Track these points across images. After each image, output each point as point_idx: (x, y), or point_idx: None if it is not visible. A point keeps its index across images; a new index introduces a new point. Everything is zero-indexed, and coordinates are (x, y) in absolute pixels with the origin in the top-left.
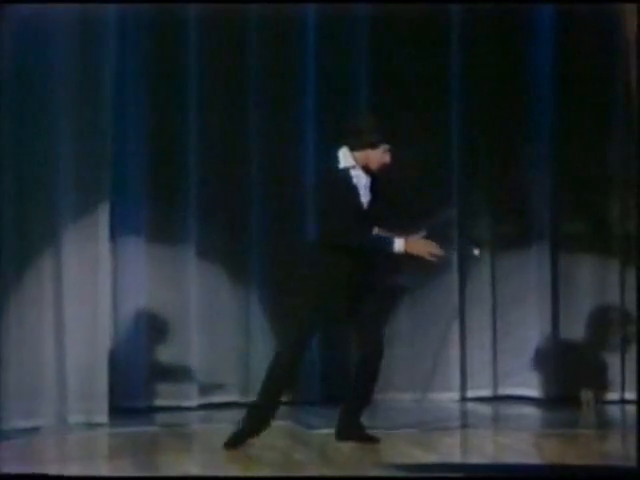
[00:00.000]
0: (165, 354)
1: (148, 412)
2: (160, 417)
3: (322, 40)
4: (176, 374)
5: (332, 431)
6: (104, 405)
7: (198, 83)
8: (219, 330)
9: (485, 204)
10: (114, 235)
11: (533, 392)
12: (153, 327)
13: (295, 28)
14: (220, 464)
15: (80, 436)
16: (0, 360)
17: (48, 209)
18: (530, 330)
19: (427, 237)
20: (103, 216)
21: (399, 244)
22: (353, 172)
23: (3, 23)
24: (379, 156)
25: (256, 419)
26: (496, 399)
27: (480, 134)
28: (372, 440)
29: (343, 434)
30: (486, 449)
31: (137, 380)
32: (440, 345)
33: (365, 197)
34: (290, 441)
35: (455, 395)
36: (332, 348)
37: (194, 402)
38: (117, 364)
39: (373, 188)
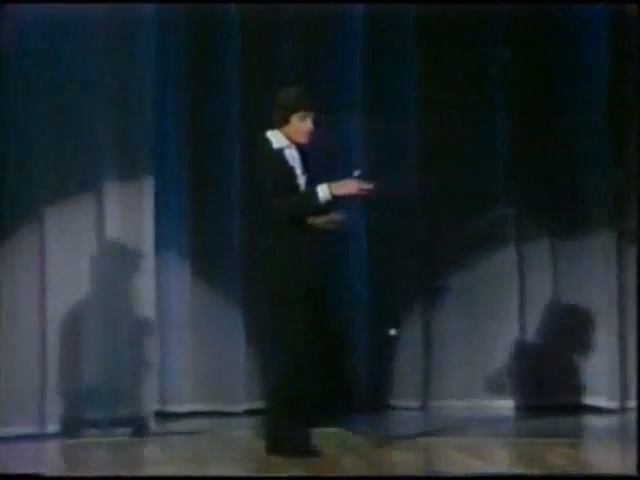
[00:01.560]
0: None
1: (191, 416)
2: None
3: (368, 39)
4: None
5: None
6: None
7: (239, 81)
8: None
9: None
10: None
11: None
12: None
13: (340, 26)
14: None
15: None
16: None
17: (95, 212)
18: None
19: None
20: (148, 223)
21: (323, 191)
22: (287, 152)
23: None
24: (299, 126)
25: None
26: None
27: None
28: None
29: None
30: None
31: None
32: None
33: (302, 179)
34: (340, 448)
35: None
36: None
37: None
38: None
39: (308, 167)
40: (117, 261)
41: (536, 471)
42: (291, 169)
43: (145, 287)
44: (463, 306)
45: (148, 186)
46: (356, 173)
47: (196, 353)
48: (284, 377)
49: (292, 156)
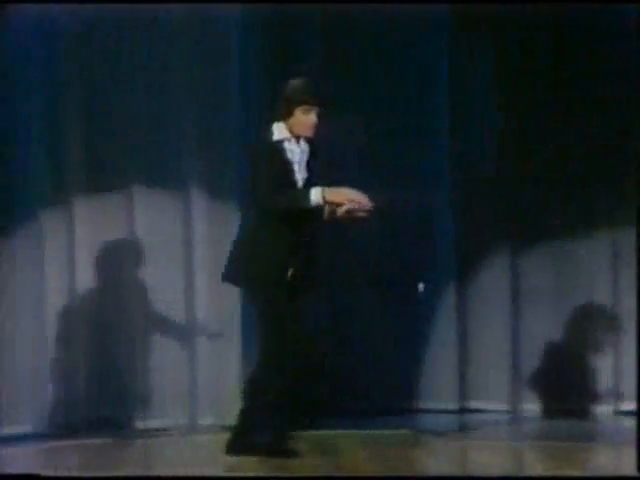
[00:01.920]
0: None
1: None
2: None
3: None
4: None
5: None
6: None
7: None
8: None
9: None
10: None
11: None
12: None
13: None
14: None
15: None
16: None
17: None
18: None
19: None
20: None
21: (316, 194)
22: (287, 145)
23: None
24: (302, 119)
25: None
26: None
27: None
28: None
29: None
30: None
31: None
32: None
33: (301, 174)
34: (419, 449)
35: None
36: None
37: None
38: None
39: (310, 165)
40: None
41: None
42: (287, 163)
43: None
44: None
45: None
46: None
47: None
48: (261, 370)
49: (292, 150)
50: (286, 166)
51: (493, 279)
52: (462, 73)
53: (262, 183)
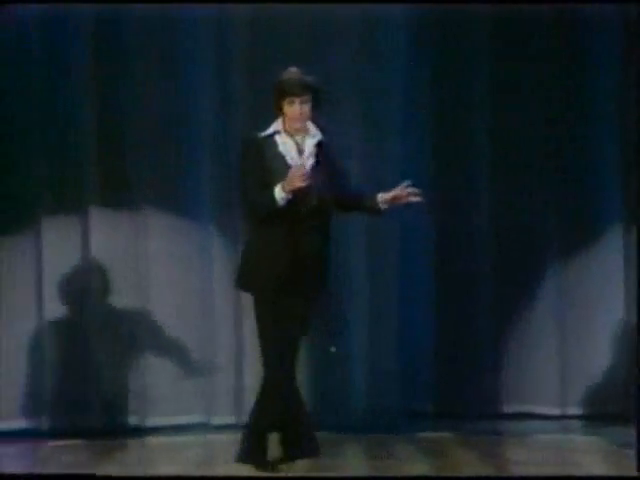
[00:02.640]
0: None
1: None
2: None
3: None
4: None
5: None
6: None
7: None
8: None
9: None
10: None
11: None
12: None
13: None
14: None
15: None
16: None
17: None
18: None
19: None
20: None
21: (279, 190)
22: (278, 138)
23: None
24: (288, 111)
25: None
26: None
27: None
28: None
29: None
30: None
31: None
32: None
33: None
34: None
35: None
36: None
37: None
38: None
39: (319, 157)
40: None
41: None
42: (280, 156)
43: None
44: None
45: None
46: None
47: None
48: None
49: (284, 143)
50: (279, 159)
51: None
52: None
53: (245, 186)
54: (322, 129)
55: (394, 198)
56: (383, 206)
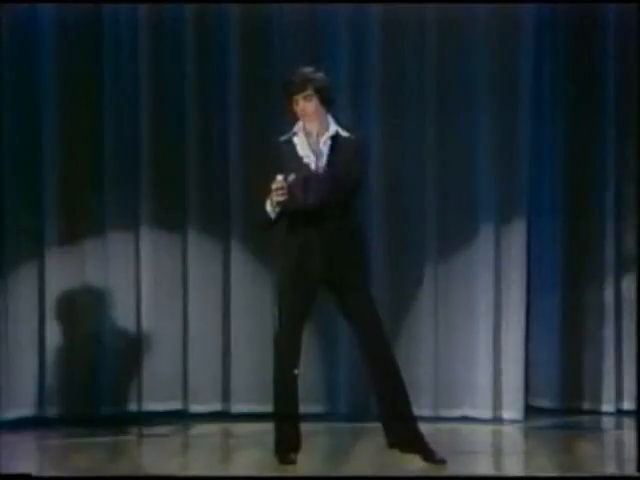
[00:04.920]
0: None
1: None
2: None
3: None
4: None
5: None
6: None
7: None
8: None
9: None
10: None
11: None
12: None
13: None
14: None
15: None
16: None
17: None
18: None
19: None
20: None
21: (268, 204)
22: (296, 139)
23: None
24: (296, 111)
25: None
26: None
27: None
28: None
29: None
30: None
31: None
32: None
33: (314, 163)
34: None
35: None
36: None
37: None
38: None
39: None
40: None
41: None
42: (299, 158)
43: None
44: None
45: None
46: (291, 177)
47: None
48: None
49: (301, 144)
50: (297, 161)
51: None
52: None
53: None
54: (347, 128)
55: None
56: None
